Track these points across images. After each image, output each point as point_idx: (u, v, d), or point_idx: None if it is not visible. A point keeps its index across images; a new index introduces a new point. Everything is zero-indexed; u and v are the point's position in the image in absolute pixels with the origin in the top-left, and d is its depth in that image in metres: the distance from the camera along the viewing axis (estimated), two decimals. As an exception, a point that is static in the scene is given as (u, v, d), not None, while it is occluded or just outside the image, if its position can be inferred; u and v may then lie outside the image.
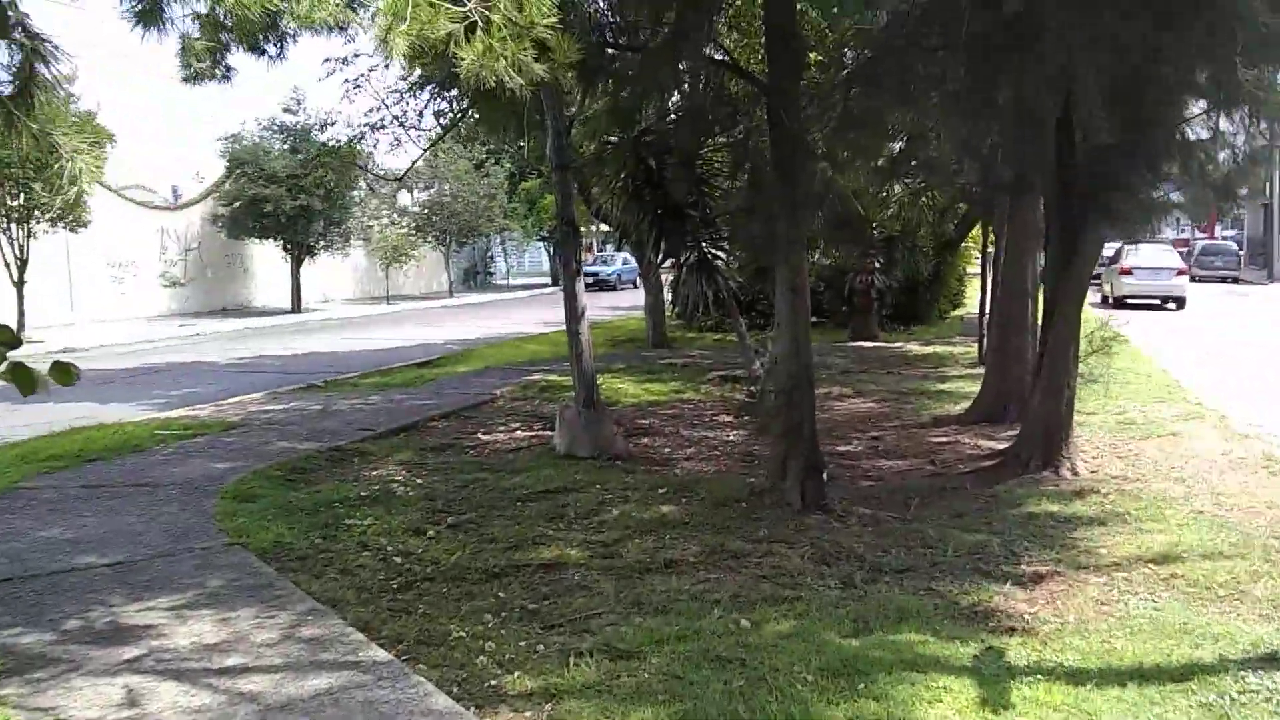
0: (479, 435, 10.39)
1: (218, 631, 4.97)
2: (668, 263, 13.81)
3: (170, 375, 17.28)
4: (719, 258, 12.49)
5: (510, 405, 12.29)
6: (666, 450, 9.55)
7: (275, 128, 31.45)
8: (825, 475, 7.48)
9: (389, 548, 6.44)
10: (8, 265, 22.68)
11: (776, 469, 7.56)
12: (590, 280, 46.42)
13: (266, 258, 34.71)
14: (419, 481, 8.25)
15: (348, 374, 15.60)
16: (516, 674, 4.62)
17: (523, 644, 4.96)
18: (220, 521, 6.94)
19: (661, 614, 5.32)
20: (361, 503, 7.46)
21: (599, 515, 7.19)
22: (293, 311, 32.08)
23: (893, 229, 17.98)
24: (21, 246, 22.67)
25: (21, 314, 22.73)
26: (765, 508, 7.26)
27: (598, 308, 32.59)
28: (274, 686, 4.33)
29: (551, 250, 50.29)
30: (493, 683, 4.54)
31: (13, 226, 22.46)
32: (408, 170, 15.13)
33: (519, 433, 10.48)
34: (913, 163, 12.24)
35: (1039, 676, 4.53)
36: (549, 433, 10.31)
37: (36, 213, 22.55)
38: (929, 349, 17.31)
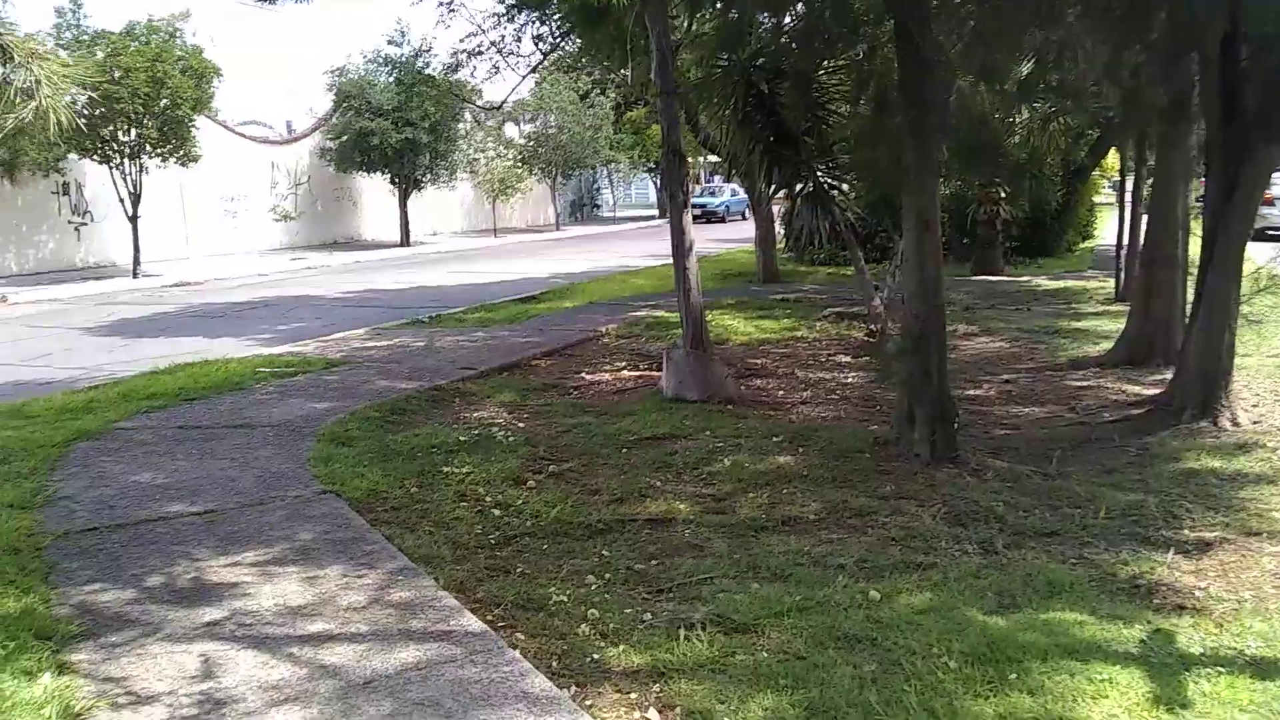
0: (583, 375, 9.98)
1: (303, 592, 4.64)
2: (780, 193, 13.10)
3: (279, 309, 17.30)
4: (835, 188, 11.78)
5: (615, 343, 11.85)
6: (780, 393, 8.99)
7: (380, 60, 31.29)
8: (955, 424, 6.85)
9: (487, 498, 6.07)
10: (122, 200, 23.00)
11: (903, 417, 6.94)
12: (698, 212, 45.64)
13: (374, 191, 34.84)
14: (520, 425, 7.86)
15: (452, 309, 15.36)
16: (621, 647, 4.19)
17: (628, 611, 4.53)
18: (314, 467, 6.65)
19: (780, 580, 4.82)
20: (460, 448, 7.10)
21: (709, 465, 6.71)
22: (401, 245, 32.17)
23: (1018, 156, 16.87)
24: (135, 182, 22.92)
25: (137, 248, 23.10)
26: (891, 459, 6.67)
27: (705, 240, 31.88)
28: (358, 659, 3.97)
29: (657, 182, 49.65)
30: (595, 656, 4.11)
31: (125, 162, 22.68)
32: (507, 97, 14.59)
33: (624, 373, 10.03)
34: (1042, 86, 11.29)
35: (1218, 667, 3.91)
36: (655, 373, 9.85)
37: (148, 147, 22.73)
38: (1059, 284, 16.28)
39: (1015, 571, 4.87)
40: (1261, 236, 23.41)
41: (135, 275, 22.84)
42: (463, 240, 35.21)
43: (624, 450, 7.08)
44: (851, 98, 10.35)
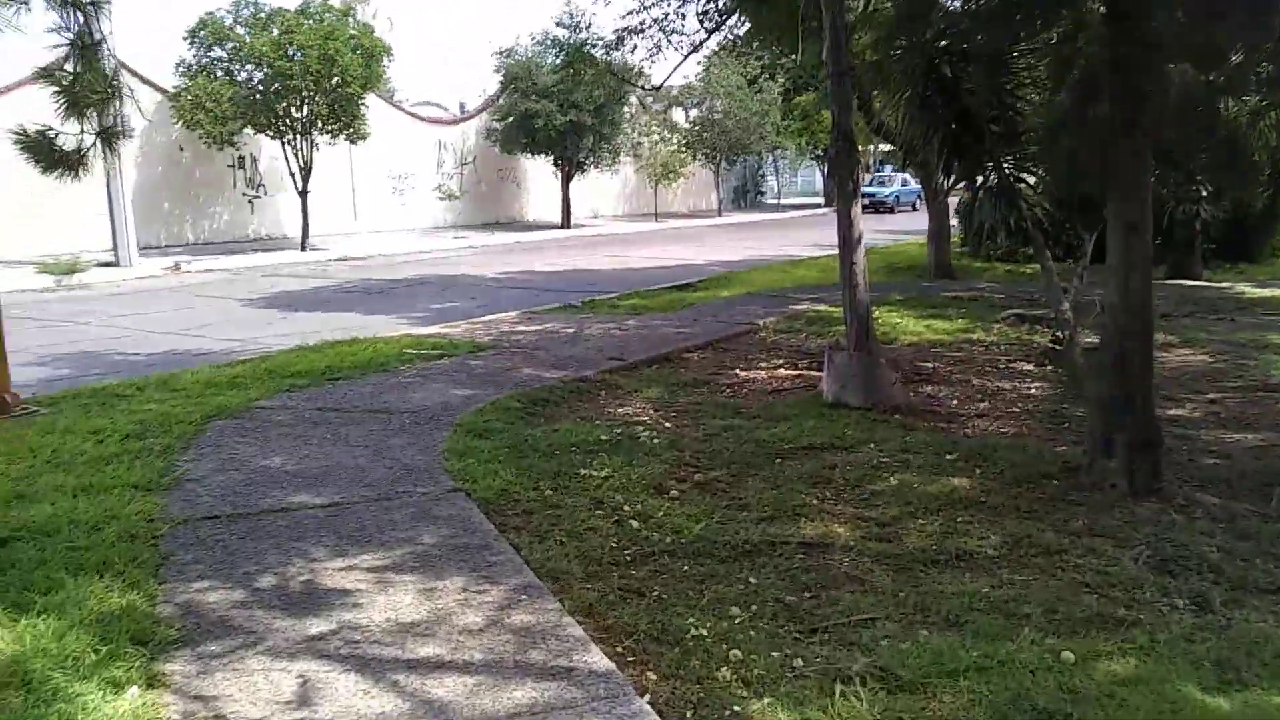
0: (737, 371, 9.40)
1: (418, 606, 4.22)
2: (959, 185, 12.18)
3: (435, 287, 17.28)
4: (1022, 181, 10.81)
5: (773, 338, 11.21)
6: (954, 403, 8.21)
7: (547, 41, 31.28)
8: (1160, 453, 5.99)
9: (625, 507, 5.56)
10: (293, 175, 23.51)
11: (1097, 440, 6.12)
12: (866, 202, 44.20)
13: (537, 173, 34.95)
14: (666, 425, 7.34)
15: (606, 294, 15.00)
16: (766, 700, 3.62)
17: (775, 654, 3.95)
18: (447, 461, 6.28)
19: (953, 628, 4.16)
20: (600, 448, 6.62)
21: (873, 484, 6.04)
22: (561, 227, 32.17)
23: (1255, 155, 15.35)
24: (305, 157, 23.40)
25: (305, 222, 23.61)
26: (1083, 488, 5.87)
27: (873, 232, 30.75)
28: (467, 695, 3.51)
29: (824, 169, 48.46)
30: (735, 709, 3.56)
31: (297, 137, 23.17)
32: (668, 76, 13.99)
33: (781, 371, 9.40)
34: (1255, 75, 10.08)
35: None
36: (815, 373, 9.20)
37: (319, 123, 23.15)
38: (1265, 291, 14.80)
39: (1237, 637, 4.08)
40: None
41: (303, 249, 23.37)
42: (623, 224, 35.01)
43: (777, 460, 6.47)
44: (1048, 84, 9.39)
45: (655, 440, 6.83)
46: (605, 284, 17.45)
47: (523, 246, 26.93)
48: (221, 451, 6.48)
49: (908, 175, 49.77)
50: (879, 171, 54.96)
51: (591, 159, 32.24)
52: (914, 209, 44.04)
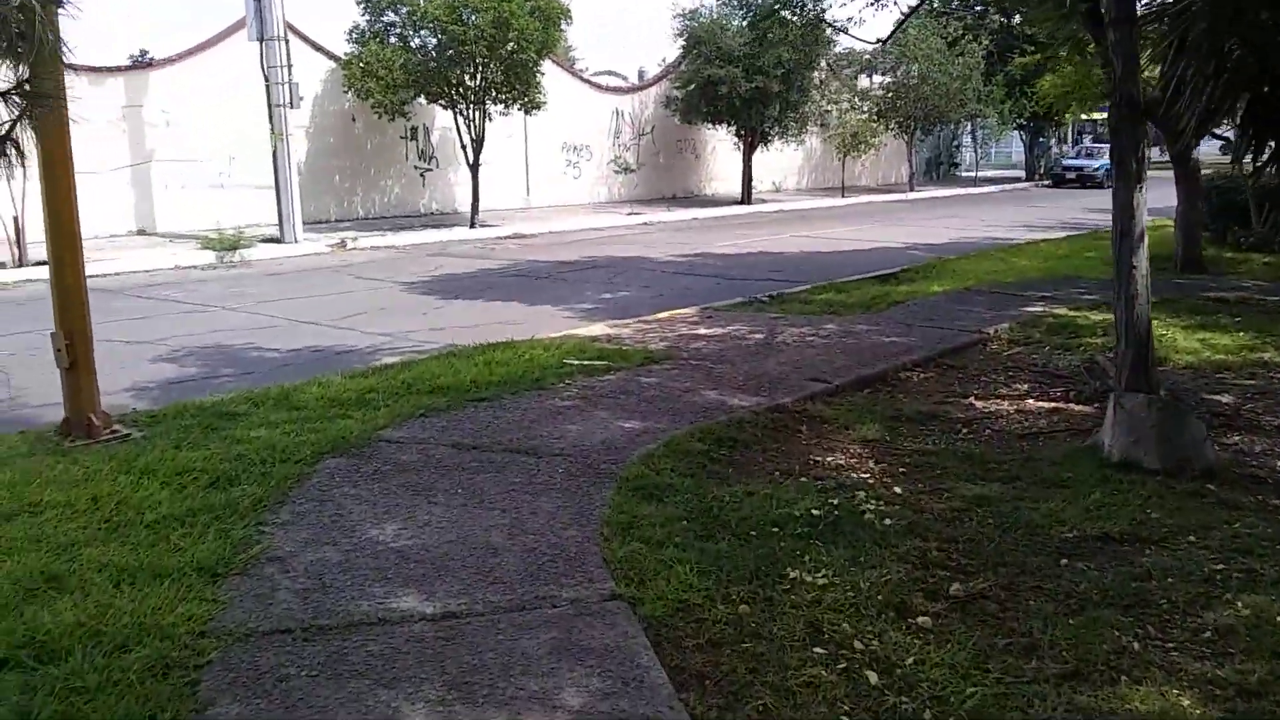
0: (972, 401, 7.50)
1: None
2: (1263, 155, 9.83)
3: (607, 272, 15.82)
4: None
5: (1008, 351, 9.21)
6: (1279, 464, 6.14)
7: (734, 3, 29.38)
8: None
9: (856, 643, 3.85)
10: (464, 148, 22.44)
11: None
12: (1072, 176, 40.72)
13: (717, 143, 33.16)
14: (896, 490, 5.55)
15: (795, 286, 13.19)
16: None
17: None
18: (607, 542, 4.69)
19: None
20: (811, 529, 4.90)
21: (1211, 609, 4.15)
22: (742, 202, 30.30)
23: None
24: (478, 128, 22.27)
25: (476, 196, 22.52)
26: None
27: (1079, 210, 27.86)
28: None
29: (1025, 140, 44.89)
30: None
31: (470, 108, 22.05)
32: (900, 26, 11.79)
33: (1031, 403, 7.45)
34: None
35: None
36: (1074, 406, 7.27)
37: (493, 92, 21.98)
38: None
39: None
40: None
41: (473, 225, 22.30)
42: (806, 199, 32.83)
43: (1062, 561, 4.62)
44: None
45: (885, 518, 5.05)
46: (793, 271, 15.63)
47: (701, 224, 25.26)
48: (323, 510, 5.08)
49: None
50: (1080, 141, 50.83)
51: (777, 129, 30.18)
52: (1126, 183, 40.17)
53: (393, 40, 21.96)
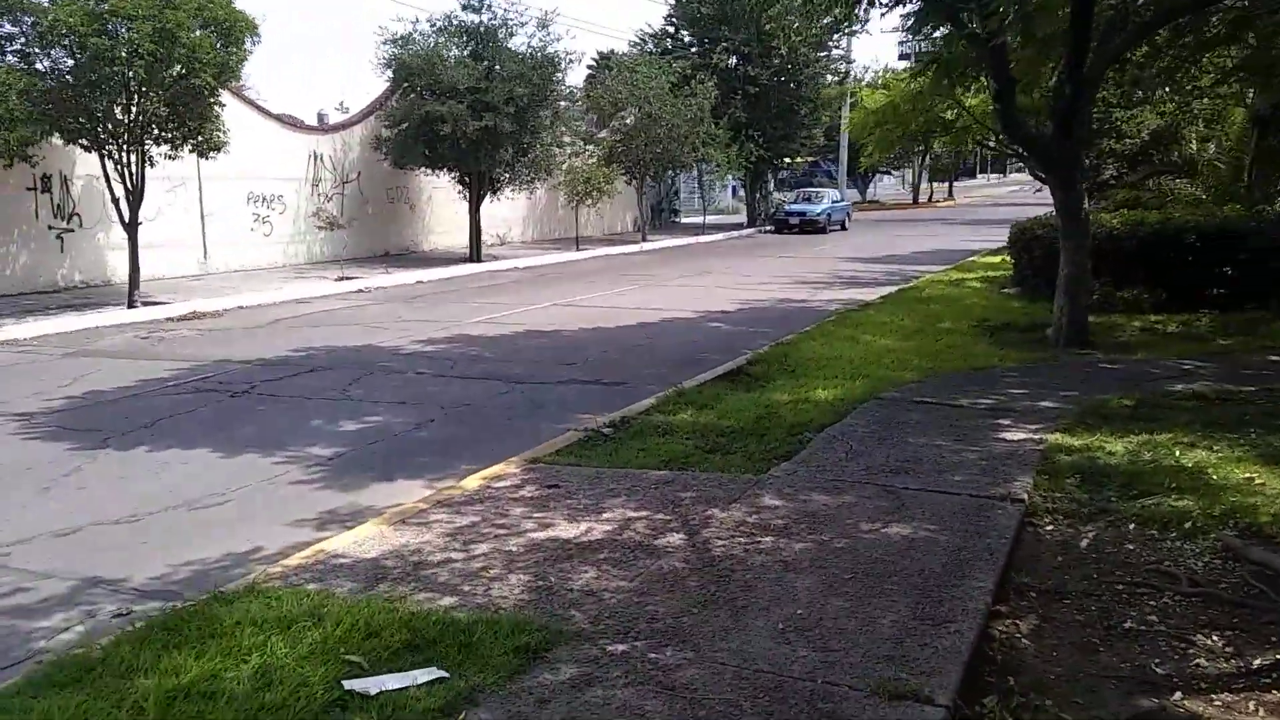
0: (1183, 704, 3.71)
1: None
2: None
3: (334, 377, 11.14)
4: None
5: (1069, 534, 5.54)
6: None
7: (453, 28, 25.16)
8: None
9: None
10: (117, 201, 16.86)
11: None
12: (794, 222, 38.94)
13: (435, 191, 28.65)
14: None
15: (613, 387, 9.19)
16: None
17: None
18: None
19: None
20: None
21: None
22: (471, 259, 25.87)
23: None
24: (135, 175, 16.79)
25: (135, 264, 16.91)
26: None
27: (826, 260, 25.58)
28: None
29: (747, 184, 42.95)
30: None
31: (122, 149, 16.55)
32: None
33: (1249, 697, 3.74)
34: None
35: None
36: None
37: (154, 129, 16.62)
38: None
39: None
40: None
41: (132, 303, 16.69)
42: (539, 253, 28.84)
43: None
44: None
45: None
46: (591, 366, 11.62)
47: (432, 289, 20.72)
48: None
49: (836, 191, 44.81)
50: (805, 184, 49.30)
51: (508, 174, 26.07)
52: (842, 228, 39.07)
53: (9, 59, 16.17)
